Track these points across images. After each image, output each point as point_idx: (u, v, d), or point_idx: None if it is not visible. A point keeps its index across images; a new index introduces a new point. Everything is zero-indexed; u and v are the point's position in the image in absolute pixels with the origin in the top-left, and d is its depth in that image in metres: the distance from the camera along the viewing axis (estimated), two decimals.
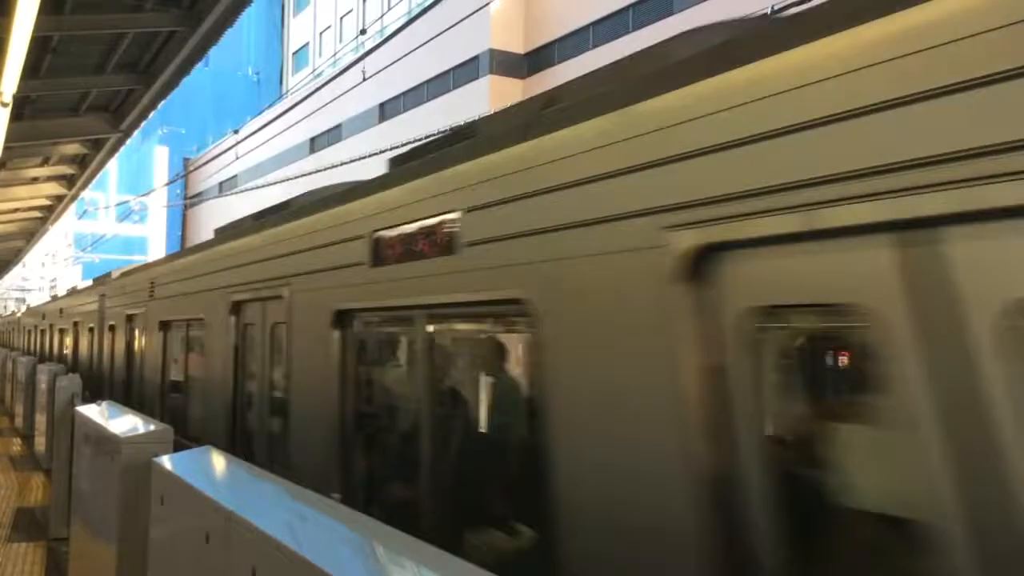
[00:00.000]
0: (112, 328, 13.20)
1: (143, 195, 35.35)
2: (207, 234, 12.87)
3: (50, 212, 22.97)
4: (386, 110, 39.54)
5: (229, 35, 11.45)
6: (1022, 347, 1.87)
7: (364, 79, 17.52)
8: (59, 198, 20.75)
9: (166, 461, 4.03)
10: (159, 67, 11.54)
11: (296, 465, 5.42)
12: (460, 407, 4.61)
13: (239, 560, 2.99)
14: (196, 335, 8.50)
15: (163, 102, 13.16)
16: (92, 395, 10.08)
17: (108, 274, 14.77)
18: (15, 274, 55.50)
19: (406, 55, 16.60)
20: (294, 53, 58.65)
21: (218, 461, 4.02)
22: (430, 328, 4.31)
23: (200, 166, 50.76)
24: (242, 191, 35.40)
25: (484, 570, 2.29)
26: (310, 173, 21.15)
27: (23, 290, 62.80)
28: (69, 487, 7.36)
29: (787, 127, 2.35)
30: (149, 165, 61.78)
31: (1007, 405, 1.86)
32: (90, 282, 17.48)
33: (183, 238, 60.70)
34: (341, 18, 50.89)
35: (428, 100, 36.51)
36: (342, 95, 18.66)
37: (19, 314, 37.41)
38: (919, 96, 2.04)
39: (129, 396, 11.53)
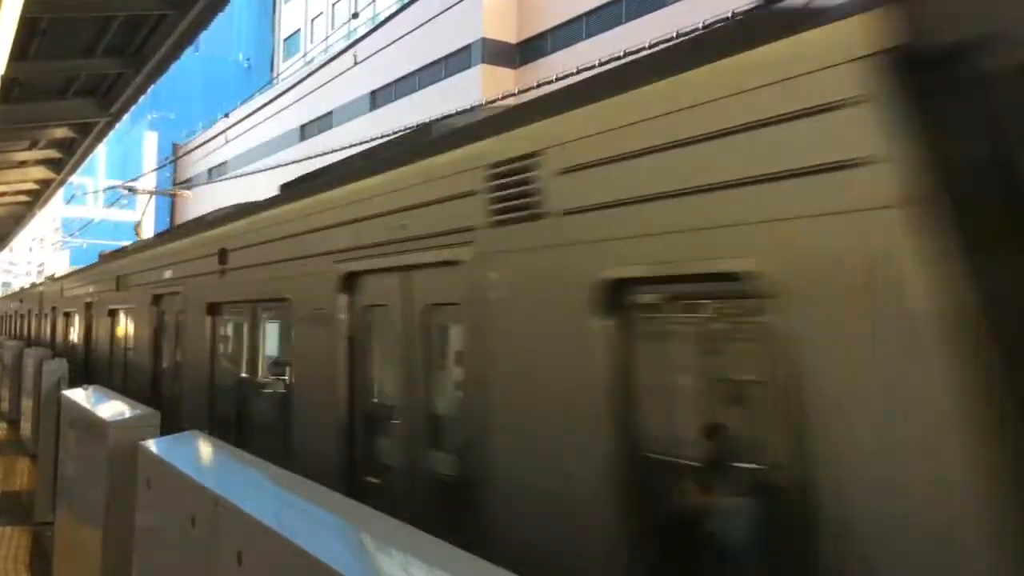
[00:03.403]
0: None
1: (131, 180, 35.07)
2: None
3: (37, 197, 22.79)
4: (377, 98, 39.36)
5: (220, 20, 11.36)
6: None
7: (355, 64, 17.43)
8: (47, 182, 20.59)
9: (153, 445, 4.03)
10: (149, 51, 11.45)
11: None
12: None
13: (225, 544, 3.00)
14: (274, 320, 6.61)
15: (152, 86, 13.06)
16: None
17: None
18: (2, 258, 55.13)
19: (397, 40, 16.52)
20: (285, 39, 58.28)
21: (205, 446, 4.03)
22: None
23: (189, 151, 50.44)
24: (232, 177, 35.23)
25: (468, 553, 2.31)
26: (300, 160, 21.05)
27: (8, 272, 62.37)
28: (55, 471, 7.34)
29: None
30: (138, 150, 61.36)
31: None
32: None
33: (172, 223, 60.34)
34: (333, 4, 50.59)
35: (420, 88, 36.36)
36: (333, 81, 18.56)
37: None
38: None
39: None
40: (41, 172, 19.36)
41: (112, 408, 5.31)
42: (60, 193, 26.28)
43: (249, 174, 25.56)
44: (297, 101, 20.82)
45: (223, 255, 6.89)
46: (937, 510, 1.98)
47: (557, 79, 11.08)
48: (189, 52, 12.15)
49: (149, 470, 3.97)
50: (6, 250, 44.56)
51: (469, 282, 3.71)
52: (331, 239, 5.06)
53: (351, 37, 30.30)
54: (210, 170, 54.28)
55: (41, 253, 60.18)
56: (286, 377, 6.04)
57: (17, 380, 15.21)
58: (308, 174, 7.04)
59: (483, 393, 3.61)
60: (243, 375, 7.05)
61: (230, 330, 7.45)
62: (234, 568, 2.87)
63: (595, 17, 29.93)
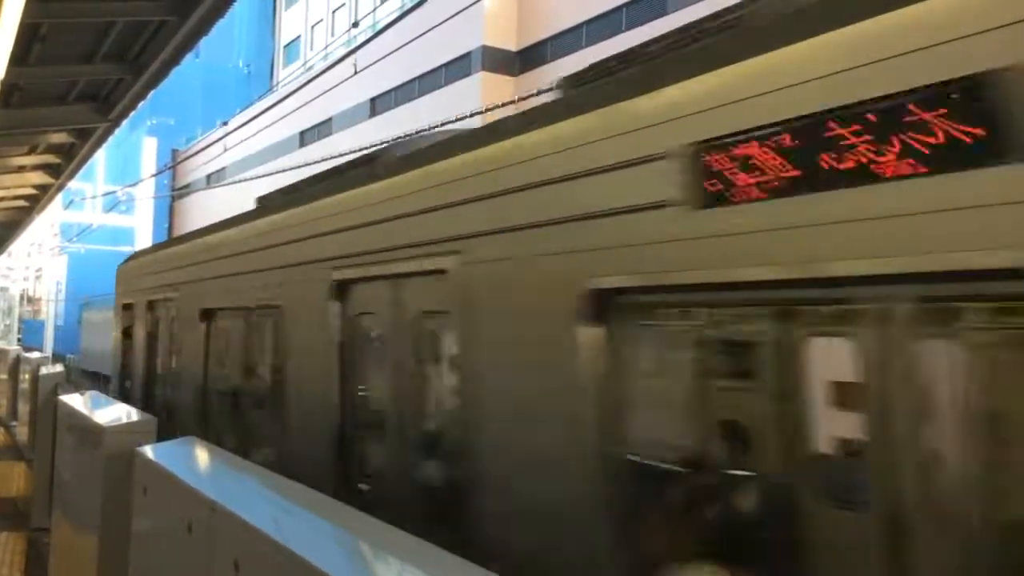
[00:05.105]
0: None
1: (130, 186, 35.12)
2: (194, 227, 12.78)
3: (36, 202, 22.76)
4: (377, 105, 39.41)
5: (220, 27, 11.36)
6: None
7: (355, 73, 17.47)
8: (45, 187, 20.56)
9: (149, 451, 4.01)
10: (149, 57, 11.44)
11: None
12: None
13: (221, 551, 2.99)
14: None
15: (152, 92, 13.06)
16: None
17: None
18: (1, 263, 55.09)
19: (398, 49, 16.56)
20: (285, 46, 58.35)
21: (202, 452, 4.01)
22: None
23: (188, 158, 50.47)
24: (230, 183, 35.28)
25: (467, 560, 2.30)
26: (300, 167, 21.08)
27: (6, 278, 62.28)
28: (51, 477, 7.31)
29: None
30: (137, 156, 61.40)
31: None
32: None
33: (170, 230, 60.32)
34: (333, 12, 50.69)
35: (420, 96, 36.41)
36: (332, 89, 18.60)
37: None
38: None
39: None
40: (40, 177, 19.34)
41: (108, 414, 5.29)
42: (59, 198, 26.25)
43: (249, 180, 25.53)
44: (297, 108, 20.85)
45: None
46: None
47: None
48: (189, 58, 12.15)
49: (145, 476, 3.95)
50: (4, 255, 44.52)
51: None
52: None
53: (351, 44, 30.44)
54: (208, 176, 54.27)
55: (39, 258, 60.13)
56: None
57: (14, 385, 15.17)
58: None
59: None
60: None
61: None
62: (231, 575, 2.86)
63: (595, 25, 30.00)
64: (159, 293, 9.84)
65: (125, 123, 15.08)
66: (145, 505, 3.95)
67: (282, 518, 2.89)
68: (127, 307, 11.50)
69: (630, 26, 28.06)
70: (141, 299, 10.64)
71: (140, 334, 10.61)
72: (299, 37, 55.50)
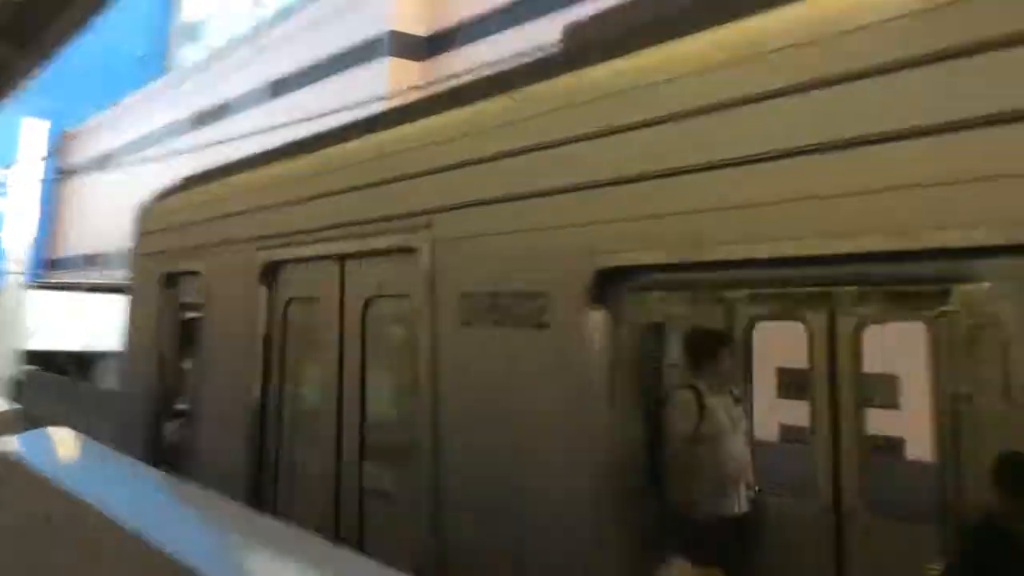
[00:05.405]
0: None
1: (6, 168, 33.21)
2: (83, 212, 12.19)
3: None
4: (278, 88, 38.43)
5: (115, 6, 10.85)
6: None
7: (257, 52, 16.98)
8: None
9: (5, 442, 3.77)
10: (36, 35, 10.84)
11: None
12: None
13: (83, 545, 2.83)
14: None
15: (39, 72, 12.39)
16: None
17: None
18: None
19: (301, 32, 16.19)
20: (184, 27, 56.27)
21: (61, 443, 3.79)
22: None
23: (74, 140, 48.16)
24: (122, 165, 33.79)
25: (345, 550, 2.22)
26: (194, 150, 20.35)
27: None
28: None
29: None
30: (14, 137, 58.27)
31: None
32: None
33: (50, 215, 57.51)
34: None
35: (324, 79, 35.67)
36: (231, 71, 18.04)
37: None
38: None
39: None
40: None
41: None
42: None
43: (142, 162, 24.56)
44: (194, 91, 20.18)
45: None
46: None
47: (461, 74, 11.04)
48: (82, 38, 11.55)
49: (2, 467, 3.71)
50: None
51: None
52: None
53: (254, 26, 29.59)
54: (97, 159, 51.94)
55: None
56: None
57: None
58: None
59: None
60: None
61: None
62: (90, 568, 2.71)
63: (506, 16, 30.04)
64: (308, 243, 4.49)
65: (8, 103, 14.26)
66: (1, 497, 3.72)
67: (144, 508, 2.75)
68: (173, 278, 5.88)
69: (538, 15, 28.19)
70: (242, 260, 4.94)
71: (227, 340, 5.16)
72: (199, 18, 53.60)
